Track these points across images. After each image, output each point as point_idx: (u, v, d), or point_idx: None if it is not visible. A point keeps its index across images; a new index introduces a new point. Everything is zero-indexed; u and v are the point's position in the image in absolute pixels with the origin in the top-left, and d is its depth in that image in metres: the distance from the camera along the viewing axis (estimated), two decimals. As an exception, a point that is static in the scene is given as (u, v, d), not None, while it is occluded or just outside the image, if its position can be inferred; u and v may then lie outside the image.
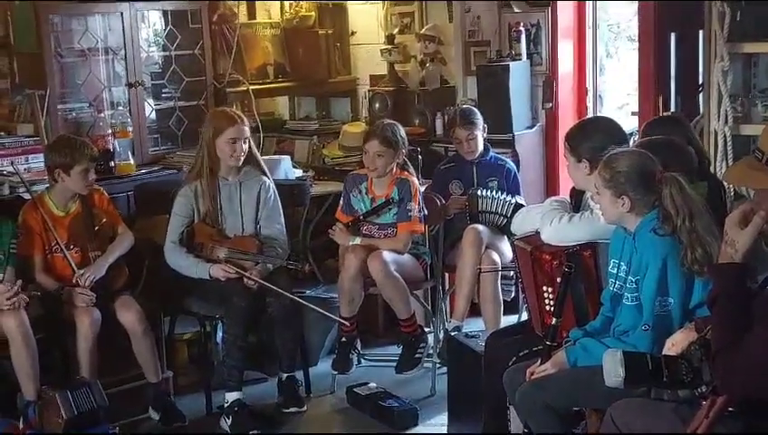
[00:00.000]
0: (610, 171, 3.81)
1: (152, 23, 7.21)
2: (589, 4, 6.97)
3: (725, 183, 4.98)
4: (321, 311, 5.60)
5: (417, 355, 5.74)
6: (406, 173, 5.80)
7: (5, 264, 5.15)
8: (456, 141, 6.22)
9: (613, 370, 3.35)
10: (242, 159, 5.56)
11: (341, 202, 5.96)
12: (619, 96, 7.41)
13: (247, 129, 5.62)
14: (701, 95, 5.89)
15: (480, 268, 5.81)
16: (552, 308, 4.10)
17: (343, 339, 5.75)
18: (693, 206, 3.74)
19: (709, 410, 3.14)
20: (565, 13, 6.93)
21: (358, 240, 5.72)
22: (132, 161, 6.65)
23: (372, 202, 5.80)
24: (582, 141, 4.29)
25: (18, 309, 4.96)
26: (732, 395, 3.11)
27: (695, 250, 3.68)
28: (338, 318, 5.70)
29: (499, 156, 6.33)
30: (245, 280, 5.35)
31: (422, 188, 5.92)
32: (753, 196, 3.32)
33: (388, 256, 5.55)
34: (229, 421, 5.30)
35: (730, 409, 3.14)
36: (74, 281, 5.24)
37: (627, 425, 3.44)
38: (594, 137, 4.28)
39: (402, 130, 5.82)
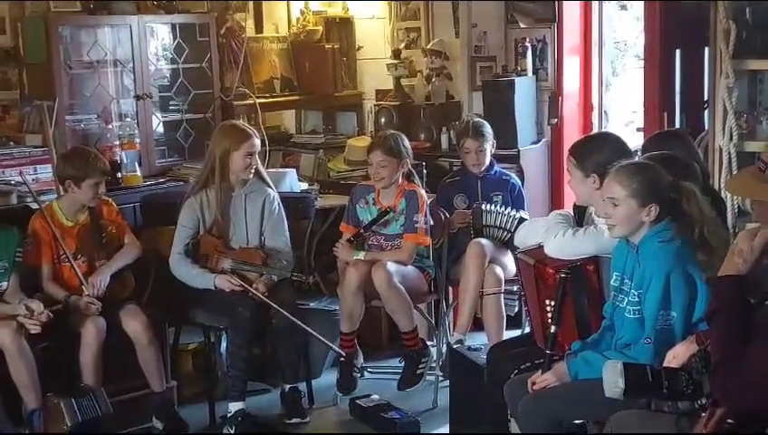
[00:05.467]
0: (637, 180, 3.80)
1: (161, 36, 7.26)
2: (595, 21, 7.00)
3: (726, 198, 5.00)
4: (320, 338, 5.58)
5: (418, 371, 5.75)
6: (414, 185, 5.83)
7: (10, 272, 5.20)
8: (464, 152, 6.21)
9: (613, 381, 3.36)
10: (253, 171, 5.62)
11: (345, 214, 5.99)
12: (624, 113, 7.43)
13: (259, 142, 5.67)
14: (706, 112, 5.91)
15: (482, 291, 5.81)
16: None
17: (342, 359, 5.75)
18: (709, 213, 3.77)
19: (708, 421, 3.16)
20: (571, 29, 6.96)
21: (362, 255, 5.72)
22: (139, 173, 6.69)
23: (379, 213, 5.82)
24: (591, 156, 4.28)
25: (9, 321, 4.96)
26: (731, 407, 3.13)
27: (712, 255, 3.68)
28: (336, 348, 5.70)
29: (504, 171, 6.33)
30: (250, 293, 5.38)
31: (428, 201, 5.94)
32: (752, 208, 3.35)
33: (392, 266, 5.57)
34: (232, 431, 5.32)
35: (729, 421, 3.15)
36: (83, 291, 5.26)
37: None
38: (603, 151, 4.27)
39: (406, 141, 5.85)
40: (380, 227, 5.79)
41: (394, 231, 5.79)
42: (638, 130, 6.56)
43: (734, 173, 5.38)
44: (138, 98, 6.93)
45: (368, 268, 5.57)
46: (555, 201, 6.99)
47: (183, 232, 5.59)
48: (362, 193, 5.92)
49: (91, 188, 5.35)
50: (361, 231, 5.79)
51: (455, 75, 7.49)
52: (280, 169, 7.05)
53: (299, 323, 5.42)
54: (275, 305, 5.34)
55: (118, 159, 6.58)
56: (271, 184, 5.79)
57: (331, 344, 5.67)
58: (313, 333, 5.53)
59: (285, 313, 5.35)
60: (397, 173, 5.75)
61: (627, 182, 3.82)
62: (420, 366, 5.76)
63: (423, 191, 5.85)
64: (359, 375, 5.85)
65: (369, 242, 5.84)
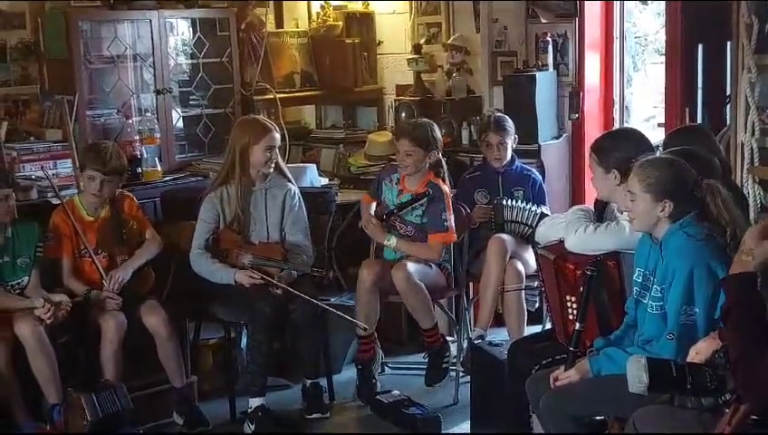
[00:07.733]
0: (653, 175, 3.80)
1: (180, 31, 7.27)
2: (616, 16, 6.96)
3: (748, 194, 4.97)
4: (345, 316, 5.56)
5: (443, 365, 5.73)
6: (439, 180, 5.73)
7: (31, 267, 5.21)
8: (485, 146, 6.20)
9: (637, 376, 3.35)
10: (273, 166, 5.61)
11: (371, 186, 5.96)
12: (645, 108, 7.40)
13: (279, 136, 5.66)
14: (728, 107, 5.87)
15: (503, 287, 5.79)
16: (576, 314, 4.10)
17: (359, 366, 5.73)
18: (733, 209, 3.76)
19: (732, 417, 3.14)
20: (592, 24, 6.92)
21: (393, 239, 5.66)
22: (159, 168, 6.71)
23: (399, 195, 5.75)
24: (612, 151, 4.28)
25: (30, 315, 4.98)
26: (753, 404, 3.11)
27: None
28: (357, 322, 5.60)
29: (525, 166, 6.32)
30: (270, 287, 5.37)
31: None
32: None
33: (411, 266, 5.54)
34: (252, 427, 5.32)
35: (754, 417, 3.13)
36: (103, 286, 5.27)
37: (649, 432, 3.43)
38: (623, 147, 4.27)
39: (437, 131, 5.73)
40: (403, 211, 5.71)
41: (412, 219, 5.72)
42: (660, 125, 6.54)
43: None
44: (158, 93, 6.95)
45: (381, 268, 5.56)
46: (576, 196, 6.96)
47: (203, 227, 5.57)
48: (390, 172, 5.89)
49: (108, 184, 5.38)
50: (394, 211, 5.71)
51: (475, 70, 7.46)
52: (300, 164, 7.04)
53: (326, 306, 5.45)
54: (301, 294, 5.32)
55: (138, 153, 6.60)
56: (291, 179, 5.78)
57: (352, 319, 5.57)
58: (336, 310, 5.52)
59: (313, 299, 5.35)
60: (422, 163, 5.66)
61: (642, 177, 3.84)
62: (444, 362, 5.74)
63: (447, 188, 5.75)
64: (377, 372, 5.85)
65: (392, 222, 5.77)
